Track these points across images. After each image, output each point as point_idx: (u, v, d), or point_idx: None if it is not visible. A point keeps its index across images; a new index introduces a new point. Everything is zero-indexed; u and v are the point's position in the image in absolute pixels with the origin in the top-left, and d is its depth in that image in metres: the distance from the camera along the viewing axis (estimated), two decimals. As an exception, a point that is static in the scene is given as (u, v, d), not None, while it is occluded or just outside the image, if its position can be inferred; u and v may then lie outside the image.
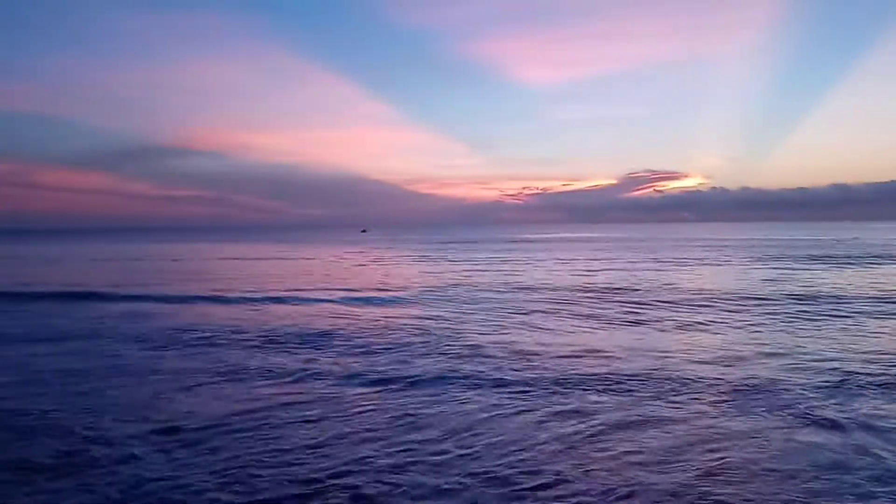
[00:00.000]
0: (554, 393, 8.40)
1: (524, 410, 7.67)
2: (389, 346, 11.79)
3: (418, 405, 7.94)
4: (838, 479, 5.56)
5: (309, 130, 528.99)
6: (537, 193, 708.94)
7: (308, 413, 7.66)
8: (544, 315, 15.69)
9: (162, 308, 18.10)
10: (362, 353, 11.32)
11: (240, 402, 8.20)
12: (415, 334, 13.08)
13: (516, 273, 29.36)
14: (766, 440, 6.54)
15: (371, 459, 6.11)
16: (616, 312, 16.02)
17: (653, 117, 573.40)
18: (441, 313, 16.19)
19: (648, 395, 8.29)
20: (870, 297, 18.19)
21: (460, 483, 5.55)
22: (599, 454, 6.19)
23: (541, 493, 5.33)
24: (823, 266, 30.45)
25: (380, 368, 10.01)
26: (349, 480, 5.62)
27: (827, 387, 8.54)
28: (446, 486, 5.47)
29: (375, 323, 14.80)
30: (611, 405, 7.81)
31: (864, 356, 10.40)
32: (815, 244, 53.09)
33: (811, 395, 8.13)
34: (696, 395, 8.22)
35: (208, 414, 7.64)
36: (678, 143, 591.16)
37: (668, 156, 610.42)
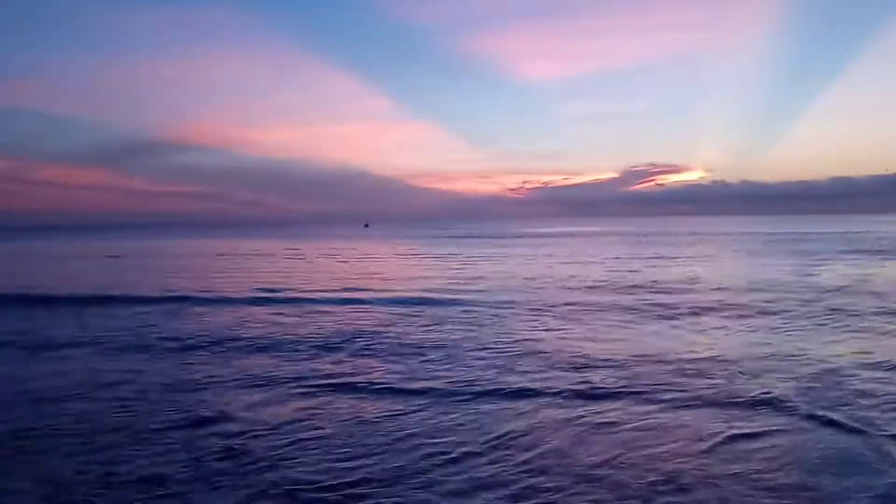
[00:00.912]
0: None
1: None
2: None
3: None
4: None
5: (310, 125, 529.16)
6: (538, 187, 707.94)
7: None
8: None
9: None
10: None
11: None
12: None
13: (586, 268, 27.98)
14: None
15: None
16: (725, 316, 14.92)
17: (653, 111, 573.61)
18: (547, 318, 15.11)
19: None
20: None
21: None
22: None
23: None
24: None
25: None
26: None
27: None
28: None
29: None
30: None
31: None
32: (856, 238, 51.47)
33: None
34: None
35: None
36: (679, 137, 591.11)
37: (669, 149, 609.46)
